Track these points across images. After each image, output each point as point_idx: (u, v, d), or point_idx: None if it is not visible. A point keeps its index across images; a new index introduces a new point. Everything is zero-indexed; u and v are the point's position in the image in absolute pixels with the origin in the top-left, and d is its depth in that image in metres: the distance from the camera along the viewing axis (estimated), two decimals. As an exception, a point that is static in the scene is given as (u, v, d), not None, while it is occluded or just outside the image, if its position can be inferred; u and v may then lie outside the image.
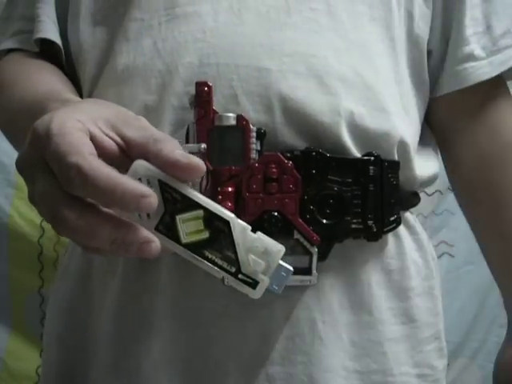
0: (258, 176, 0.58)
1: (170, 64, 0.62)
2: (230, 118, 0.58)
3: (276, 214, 0.58)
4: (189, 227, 0.46)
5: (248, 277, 0.48)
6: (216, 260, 0.47)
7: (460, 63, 0.71)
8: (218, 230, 0.46)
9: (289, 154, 0.59)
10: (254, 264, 0.47)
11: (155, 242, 0.45)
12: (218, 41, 0.62)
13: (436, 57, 0.72)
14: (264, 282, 0.47)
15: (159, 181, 0.45)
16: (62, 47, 0.72)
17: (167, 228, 0.46)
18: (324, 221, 0.60)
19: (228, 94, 0.60)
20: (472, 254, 0.77)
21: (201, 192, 0.57)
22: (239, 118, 0.58)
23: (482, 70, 0.71)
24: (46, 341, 0.73)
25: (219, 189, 0.58)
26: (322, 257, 0.61)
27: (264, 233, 0.57)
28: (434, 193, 0.78)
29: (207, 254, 0.47)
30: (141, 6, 0.65)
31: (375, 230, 0.62)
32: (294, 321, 0.62)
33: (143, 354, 0.63)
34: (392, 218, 0.64)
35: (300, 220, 0.59)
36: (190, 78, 0.61)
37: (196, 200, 0.46)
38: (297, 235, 0.59)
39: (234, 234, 0.46)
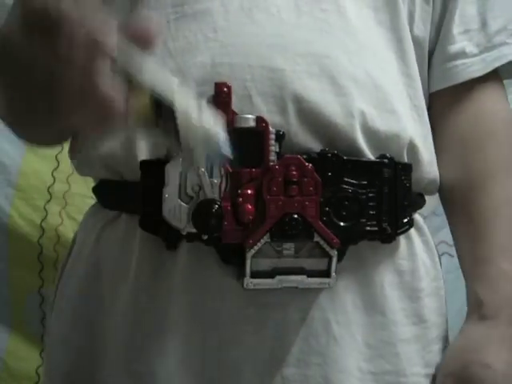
0: (279, 179, 0.58)
1: (182, 64, 0.62)
2: (250, 120, 0.58)
3: (296, 216, 0.58)
4: (138, 108, 0.47)
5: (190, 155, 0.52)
6: (161, 139, 0.49)
7: (450, 60, 0.71)
8: (164, 111, 0.47)
9: (305, 156, 0.59)
10: (195, 144, 0.48)
11: (119, 100, 0.45)
12: (230, 40, 0.62)
13: (429, 53, 0.72)
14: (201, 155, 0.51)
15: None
16: None
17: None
18: (341, 223, 0.60)
19: (242, 94, 0.60)
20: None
21: (220, 194, 0.57)
22: (259, 119, 0.58)
23: (474, 67, 0.71)
24: (49, 341, 0.73)
25: (239, 191, 0.58)
26: (338, 259, 0.61)
27: (285, 236, 0.58)
28: None
29: (153, 133, 0.48)
30: (149, 3, 0.65)
31: (389, 231, 0.63)
32: (308, 322, 0.62)
33: (157, 355, 0.63)
34: (405, 220, 0.65)
35: (320, 223, 0.59)
36: (202, 77, 0.61)
37: (144, 81, 0.46)
38: (317, 238, 0.59)
39: (177, 115, 0.47)
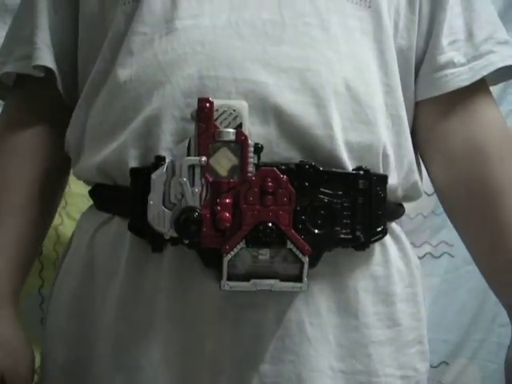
0: (255, 189, 0.61)
1: (170, 75, 0.65)
2: (230, 134, 0.61)
3: (271, 225, 0.61)
4: None
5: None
6: None
7: (439, 70, 0.73)
8: None
9: (283, 167, 0.62)
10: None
11: None
12: (216, 54, 0.64)
13: (416, 62, 0.74)
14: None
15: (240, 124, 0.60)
16: (56, 70, 0.75)
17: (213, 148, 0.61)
18: (315, 231, 0.63)
19: None
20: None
21: (200, 202, 0.60)
22: (238, 133, 0.61)
23: (462, 76, 0.73)
24: (47, 338, 0.75)
25: (218, 200, 0.61)
26: (312, 264, 0.64)
27: (259, 242, 0.61)
28: (433, 193, 0.79)
29: None
30: (143, 19, 0.68)
31: (363, 240, 0.66)
32: (284, 323, 0.65)
33: (143, 351, 0.66)
34: (379, 229, 0.68)
35: (293, 231, 0.62)
36: (189, 89, 0.64)
37: None
38: (290, 245, 0.62)
39: None
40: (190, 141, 0.62)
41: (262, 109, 0.63)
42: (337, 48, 0.67)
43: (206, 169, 0.61)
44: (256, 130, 0.63)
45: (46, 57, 0.75)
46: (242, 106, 0.62)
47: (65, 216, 1.11)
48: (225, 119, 0.61)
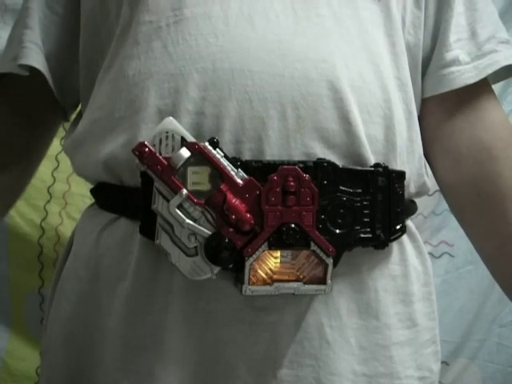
0: (277, 189, 0.59)
1: (183, 68, 0.63)
2: (182, 154, 0.59)
3: (294, 226, 0.59)
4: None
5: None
6: None
7: (446, 67, 0.73)
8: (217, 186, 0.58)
9: (301, 165, 0.60)
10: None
11: None
12: (230, 46, 0.63)
13: (423, 59, 0.74)
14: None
15: (182, 137, 0.59)
16: (44, 69, 0.74)
17: (181, 176, 0.59)
18: (336, 230, 0.62)
19: (243, 99, 0.61)
20: (472, 253, 0.76)
21: (213, 226, 0.59)
22: (189, 146, 0.59)
23: (468, 74, 0.73)
24: (49, 343, 0.73)
25: (224, 207, 0.59)
26: (333, 265, 0.62)
27: (282, 245, 0.59)
28: (434, 193, 0.77)
29: None
30: (148, 8, 0.66)
31: (383, 238, 0.64)
32: (302, 325, 0.64)
33: (154, 355, 0.64)
34: (398, 227, 0.66)
35: (317, 232, 0.60)
36: (204, 82, 0.62)
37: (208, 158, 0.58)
38: (313, 246, 0.60)
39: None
40: (155, 190, 0.59)
41: (279, 102, 0.62)
42: (350, 40, 0.66)
43: (191, 197, 0.59)
44: (273, 124, 0.61)
45: (32, 56, 0.73)
46: (168, 121, 0.60)
47: (65, 216, 1.11)
48: (166, 145, 0.59)
